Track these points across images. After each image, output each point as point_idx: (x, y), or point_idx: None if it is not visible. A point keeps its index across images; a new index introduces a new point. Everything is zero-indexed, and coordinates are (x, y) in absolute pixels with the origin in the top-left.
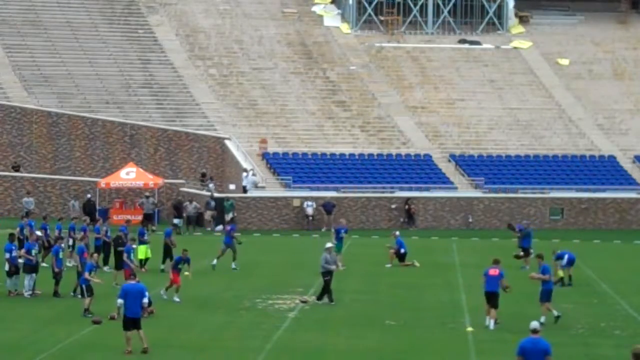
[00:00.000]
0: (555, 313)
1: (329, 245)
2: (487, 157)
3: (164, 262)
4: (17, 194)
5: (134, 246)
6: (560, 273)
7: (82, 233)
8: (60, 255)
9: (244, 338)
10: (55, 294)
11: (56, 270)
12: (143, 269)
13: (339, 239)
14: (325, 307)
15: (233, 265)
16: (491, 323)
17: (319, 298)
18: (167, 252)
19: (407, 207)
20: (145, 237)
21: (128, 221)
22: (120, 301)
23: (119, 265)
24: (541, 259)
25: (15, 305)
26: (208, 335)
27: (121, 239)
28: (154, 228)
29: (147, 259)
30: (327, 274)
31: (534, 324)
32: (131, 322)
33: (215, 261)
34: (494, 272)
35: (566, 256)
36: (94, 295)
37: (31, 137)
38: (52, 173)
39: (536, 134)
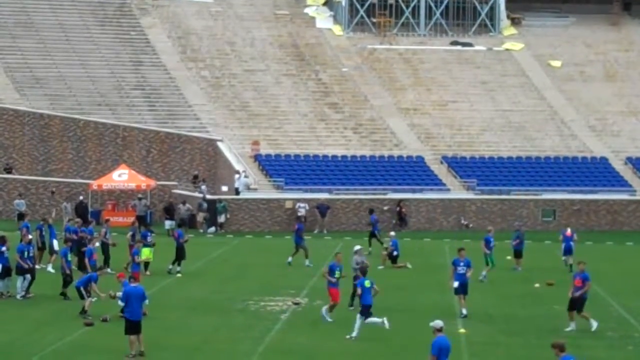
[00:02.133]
0: (464, 312)
1: (357, 247)
2: (480, 158)
3: (178, 263)
4: (8, 196)
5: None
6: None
7: (92, 235)
8: (69, 257)
9: (236, 340)
10: (65, 296)
11: (67, 272)
12: (147, 272)
13: (490, 249)
14: (318, 309)
15: (307, 262)
16: (594, 324)
17: (350, 304)
18: (180, 254)
19: (398, 208)
20: (149, 240)
21: (107, 220)
22: (120, 303)
23: (82, 265)
24: (462, 251)
25: (7, 307)
26: (200, 337)
27: (84, 239)
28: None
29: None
30: (356, 277)
31: (438, 323)
32: (134, 325)
33: (290, 259)
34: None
35: (569, 244)
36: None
37: (23, 139)
38: (44, 175)
39: (528, 135)
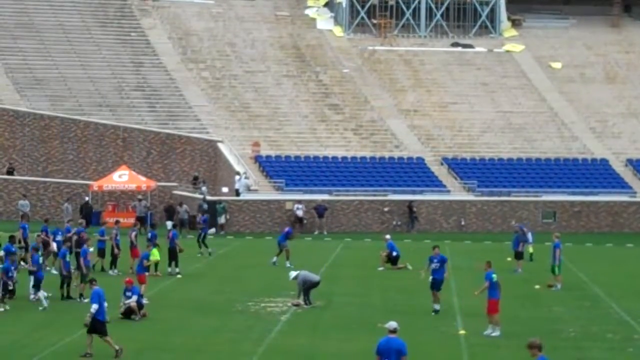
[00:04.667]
0: (437, 307)
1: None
2: (480, 160)
3: (176, 264)
4: (9, 197)
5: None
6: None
7: (87, 235)
8: (67, 258)
9: (236, 341)
10: (65, 296)
11: (64, 273)
12: (157, 273)
13: (557, 250)
14: (317, 310)
15: (288, 264)
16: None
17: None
18: (173, 255)
19: (411, 209)
20: (157, 241)
21: (117, 222)
22: (95, 306)
23: (78, 266)
24: (436, 249)
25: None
26: (200, 338)
27: (81, 239)
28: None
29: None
30: (306, 289)
31: (392, 324)
32: (101, 325)
33: (275, 259)
34: None
35: (529, 234)
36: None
37: (23, 140)
38: (45, 176)
39: (529, 137)
